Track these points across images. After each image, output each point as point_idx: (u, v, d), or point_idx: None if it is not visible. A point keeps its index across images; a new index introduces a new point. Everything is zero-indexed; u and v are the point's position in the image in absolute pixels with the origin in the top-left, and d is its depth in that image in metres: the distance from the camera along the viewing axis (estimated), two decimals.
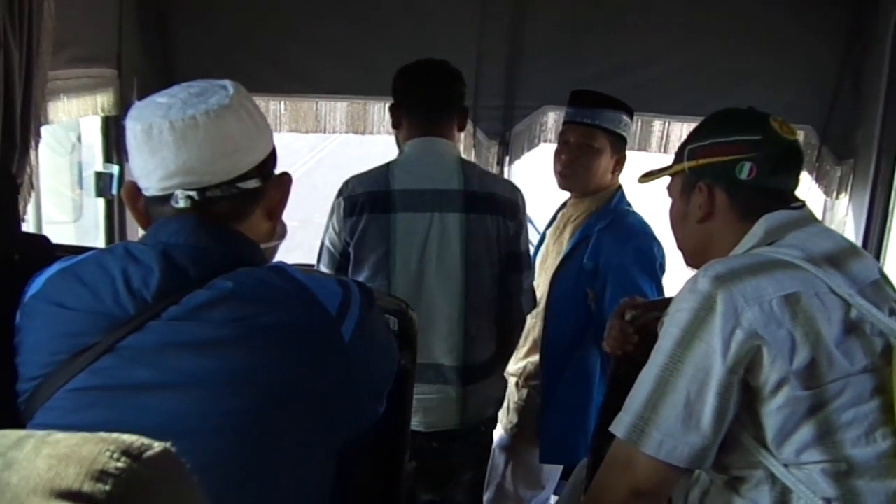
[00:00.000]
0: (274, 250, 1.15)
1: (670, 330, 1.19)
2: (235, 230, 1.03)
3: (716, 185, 1.31)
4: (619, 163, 2.25)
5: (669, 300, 1.48)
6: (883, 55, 2.48)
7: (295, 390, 0.94)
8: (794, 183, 1.34)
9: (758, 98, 2.48)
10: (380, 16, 2.66)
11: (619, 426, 1.22)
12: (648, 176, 1.48)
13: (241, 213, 1.04)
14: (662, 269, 2.16)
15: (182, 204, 0.99)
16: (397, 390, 1.58)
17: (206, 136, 0.97)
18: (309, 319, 0.97)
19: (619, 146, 2.23)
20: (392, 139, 2.16)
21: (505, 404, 2.41)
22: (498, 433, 2.41)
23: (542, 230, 2.47)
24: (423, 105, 1.96)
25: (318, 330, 0.97)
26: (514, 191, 2.02)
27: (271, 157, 1.07)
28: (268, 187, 1.06)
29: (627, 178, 2.43)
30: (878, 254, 2.58)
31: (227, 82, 1.04)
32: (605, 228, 2.17)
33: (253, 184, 1.03)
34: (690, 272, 1.31)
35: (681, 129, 2.77)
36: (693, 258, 1.40)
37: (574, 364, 2.19)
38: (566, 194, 2.37)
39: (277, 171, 1.10)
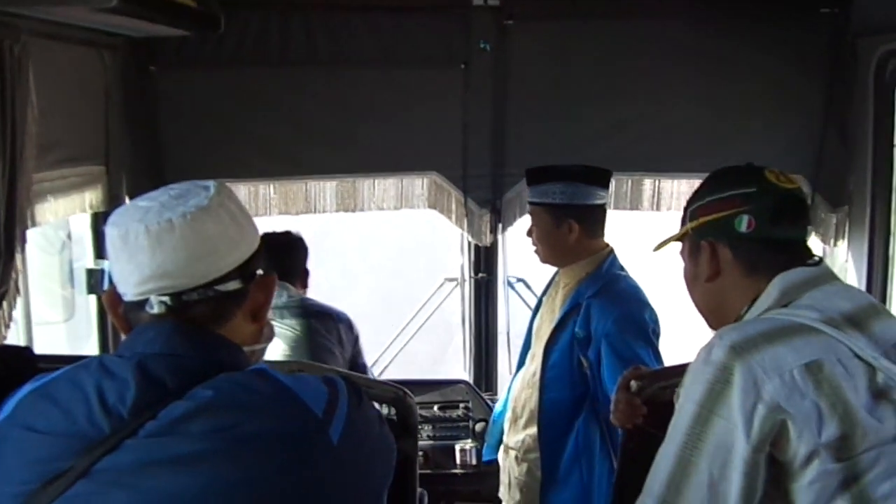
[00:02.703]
0: (261, 352, 1.10)
1: (686, 405, 1.14)
2: (215, 334, 0.99)
3: (718, 242, 1.28)
4: (572, 229, 2.17)
5: (675, 368, 1.43)
6: (866, 102, 2.49)
7: (284, 501, 0.89)
8: (800, 232, 1.28)
9: (746, 152, 2.48)
10: (363, 94, 2.69)
11: None
12: (661, 245, 1.45)
13: (222, 315, 1.00)
14: (657, 335, 2.10)
15: (156, 309, 0.96)
16: (399, 480, 1.53)
17: (182, 239, 0.95)
18: (294, 424, 0.92)
19: (559, 214, 2.16)
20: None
21: (506, 479, 2.34)
22: None
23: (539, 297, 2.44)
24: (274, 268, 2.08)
25: (304, 434, 0.91)
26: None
27: (255, 257, 1.04)
28: (250, 288, 1.03)
29: (628, 240, 2.42)
30: (882, 299, 2.55)
31: (210, 183, 1.03)
32: (595, 296, 2.12)
33: (233, 286, 1.00)
34: (711, 333, 1.27)
35: (671, 187, 2.77)
36: (710, 318, 1.36)
37: (573, 436, 2.13)
38: None
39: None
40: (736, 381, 1.09)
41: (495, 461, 2.46)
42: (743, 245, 1.25)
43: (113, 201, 2.49)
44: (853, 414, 1.07)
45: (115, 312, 1.01)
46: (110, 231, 0.98)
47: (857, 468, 1.07)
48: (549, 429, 2.18)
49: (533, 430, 2.23)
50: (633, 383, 1.52)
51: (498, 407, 2.49)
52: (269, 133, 2.69)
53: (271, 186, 2.77)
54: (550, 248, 2.21)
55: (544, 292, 2.39)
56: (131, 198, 2.58)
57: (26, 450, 0.90)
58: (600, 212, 2.22)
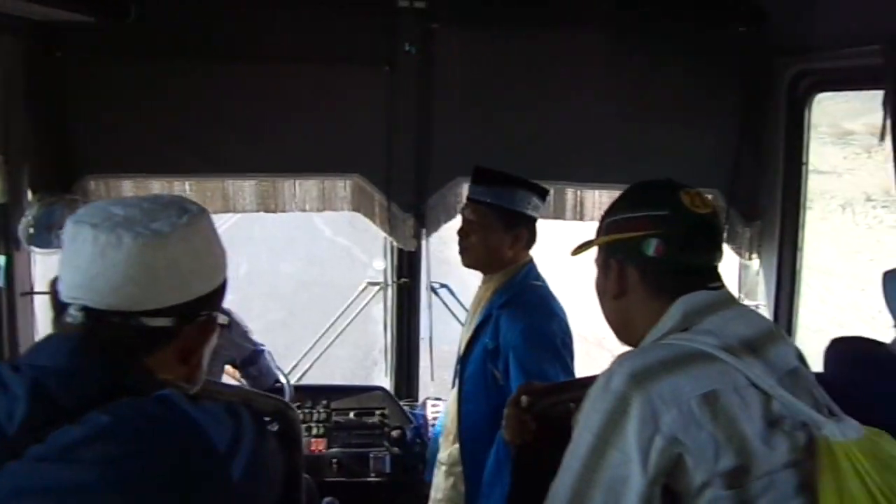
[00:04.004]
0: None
1: (584, 434, 1.12)
2: (124, 356, 0.94)
3: (627, 263, 1.26)
4: (519, 238, 2.17)
5: (566, 384, 1.42)
6: (779, 119, 2.57)
7: None
8: (709, 259, 1.27)
9: (664, 164, 2.56)
10: (285, 92, 2.62)
11: None
12: (579, 249, 1.42)
13: (143, 348, 0.95)
14: (566, 346, 2.06)
15: (71, 320, 0.92)
16: (287, 493, 1.48)
17: (125, 260, 0.91)
18: (194, 459, 0.87)
19: (514, 223, 2.16)
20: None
21: (434, 495, 2.30)
22: None
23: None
24: None
25: (203, 470, 0.87)
26: None
27: (206, 299, 0.99)
28: (184, 329, 0.97)
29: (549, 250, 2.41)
30: (789, 312, 2.62)
31: (194, 207, 0.99)
32: (504, 306, 2.10)
33: (162, 322, 0.95)
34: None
35: (594, 197, 2.79)
36: (618, 334, 1.34)
37: (494, 448, 2.08)
38: None
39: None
40: (633, 412, 1.08)
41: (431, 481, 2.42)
42: (650, 268, 1.24)
43: (13, 193, 2.36)
44: (748, 444, 1.08)
45: (54, 305, 0.97)
46: (67, 225, 0.95)
47: (748, 495, 1.08)
48: (470, 441, 2.16)
49: (457, 443, 2.21)
50: (524, 399, 1.50)
51: (437, 426, 2.47)
52: (186, 128, 2.60)
53: (187, 183, 2.67)
54: (487, 251, 2.17)
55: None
56: (33, 191, 2.45)
57: None
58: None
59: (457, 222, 2.80)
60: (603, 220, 1.34)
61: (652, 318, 1.24)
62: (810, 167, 2.61)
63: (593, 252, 1.36)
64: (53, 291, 0.97)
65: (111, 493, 0.81)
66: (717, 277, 1.27)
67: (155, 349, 0.96)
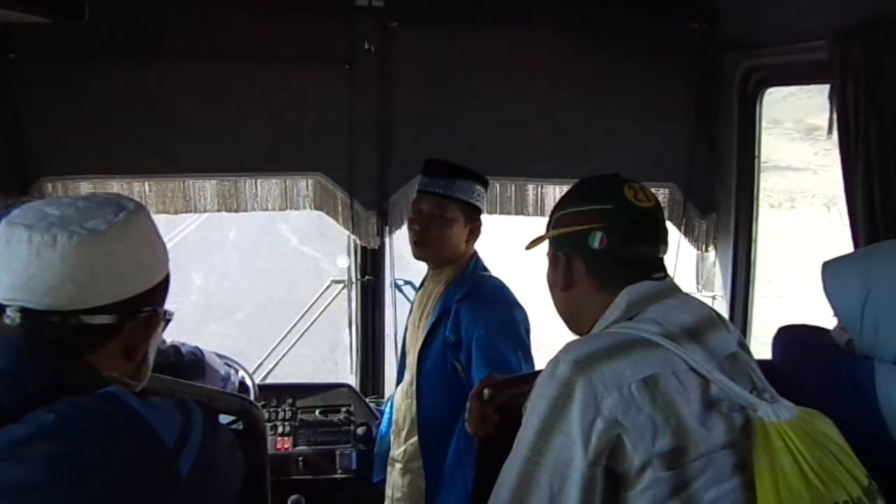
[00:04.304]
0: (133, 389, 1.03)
1: (531, 419, 1.16)
2: (67, 354, 0.94)
3: (574, 255, 1.31)
4: (474, 232, 2.21)
5: (527, 377, 1.45)
6: (731, 114, 2.63)
7: None
8: (652, 251, 1.32)
9: (622, 159, 2.61)
10: (244, 91, 2.61)
11: None
12: (532, 244, 1.47)
13: (84, 346, 0.95)
14: (528, 333, 2.10)
15: (9, 322, 0.91)
16: (252, 491, 1.49)
17: (61, 260, 0.91)
18: (142, 455, 0.88)
19: (472, 216, 2.20)
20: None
21: (390, 493, 2.31)
22: None
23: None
24: None
25: (151, 466, 0.88)
26: None
27: (147, 295, 0.99)
28: (126, 325, 0.98)
29: (501, 243, 2.44)
30: (745, 303, 2.68)
31: (130, 204, 0.99)
32: (463, 299, 2.12)
33: (103, 319, 0.95)
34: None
35: (554, 192, 2.82)
36: (568, 325, 1.39)
37: (454, 441, 2.11)
38: None
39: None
40: (577, 396, 1.12)
41: (383, 480, 2.43)
42: (596, 260, 1.29)
43: None
44: (685, 425, 1.12)
45: None
46: (2, 227, 0.94)
47: (687, 475, 1.12)
48: (430, 436, 2.17)
49: (414, 439, 2.23)
50: (486, 392, 1.53)
51: (383, 425, 2.47)
52: (143, 129, 2.58)
53: (146, 184, 2.65)
54: (445, 244, 2.17)
55: (413, 303, 2.39)
56: None
57: None
58: None
59: None
60: (552, 214, 1.38)
61: (599, 308, 1.29)
62: (785, 165, 2.68)
63: (545, 246, 1.40)
64: None
65: (57, 490, 0.82)
66: (661, 268, 1.32)
67: (97, 347, 0.96)
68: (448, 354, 2.11)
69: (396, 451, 2.29)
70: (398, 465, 2.28)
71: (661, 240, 1.33)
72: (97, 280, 0.93)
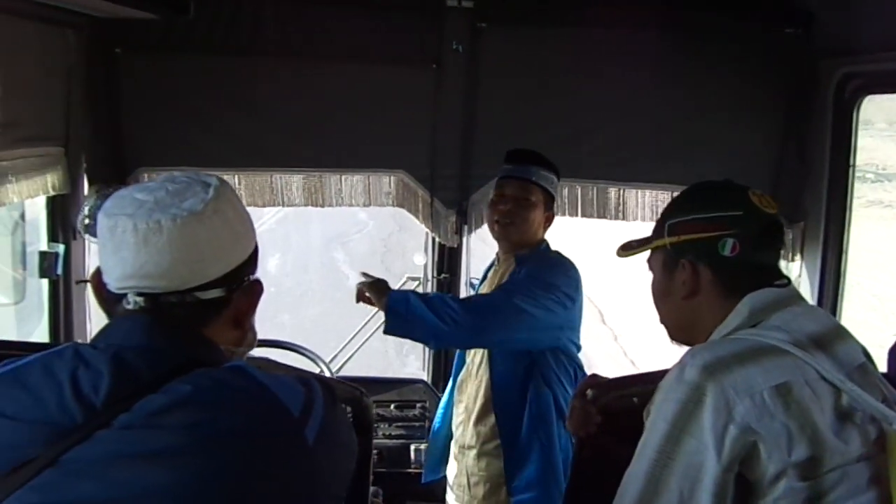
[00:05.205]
0: (241, 356, 1.08)
1: (658, 423, 1.15)
2: (193, 331, 0.98)
3: (699, 263, 1.28)
4: (549, 220, 2.31)
5: (632, 378, 1.44)
6: (825, 121, 2.56)
7: (256, 499, 0.87)
8: (776, 257, 1.31)
9: (708, 164, 2.57)
10: (333, 88, 2.67)
11: None
12: (627, 249, 1.44)
13: (200, 320, 0.99)
14: (570, 298, 2.15)
15: (132, 307, 0.95)
16: (357, 479, 1.52)
17: (168, 243, 0.94)
18: (271, 423, 0.91)
19: (550, 204, 2.30)
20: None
21: (463, 482, 2.34)
22: None
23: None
24: None
25: (281, 434, 0.91)
26: None
27: (245, 265, 1.03)
28: (234, 296, 1.01)
29: (574, 242, 2.44)
30: (833, 313, 2.61)
31: (213, 180, 1.01)
32: (524, 263, 2.23)
33: (214, 293, 0.98)
34: (679, 349, 1.28)
35: (636, 197, 2.80)
36: (678, 334, 1.37)
37: (527, 407, 2.18)
38: None
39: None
40: (708, 401, 1.10)
41: (437, 480, 2.47)
42: (725, 268, 1.26)
43: (72, 184, 2.43)
44: (821, 435, 1.10)
45: (100, 294, 1.01)
46: (101, 219, 0.97)
47: (822, 487, 1.10)
48: (505, 404, 2.23)
49: (488, 420, 2.26)
50: (589, 391, 1.52)
51: (436, 423, 2.50)
52: (236, 123, 2.66)
53: (236, 177, 2.73)
54: (529, 226, 2.25)
55: (481, 282, 2.47)
56: (90, 183, 2.52)
57: None
58: None
59: None
60: (664, 220, 1.35)
61: (721, 315, 1.26)
62: (880, 169, 2.60)
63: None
64: (98, 283, 1.00)
65: (195, 456, 0.85)
66: (782, 275, 1.30)
67: (212, 320, 1.00)
68: None
69: (468, 439, 2.32)
70: (472, 452, 2.31)
71: (783, 246, 1.32)
72: (204, 257, 0.97)
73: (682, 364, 1.16)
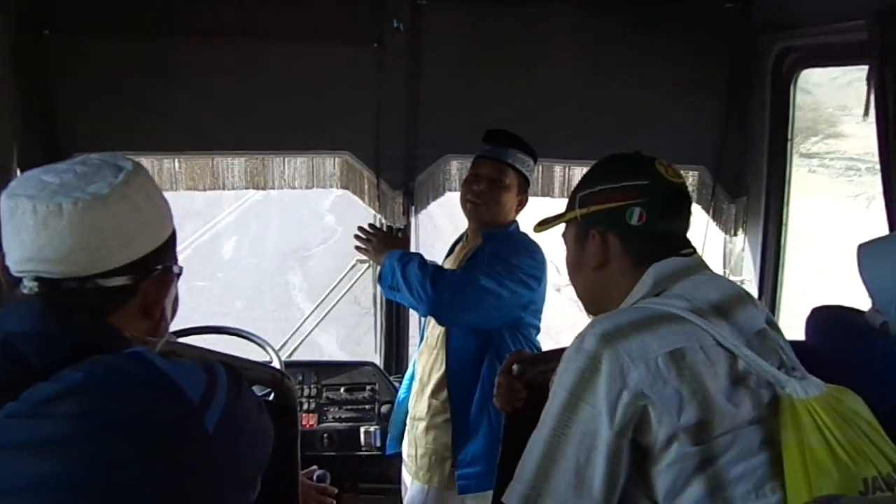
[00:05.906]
0: (153, 346, 1.03)
1: (558, 392, 1.16)
2: (95, 316, 0.95)
3: (608, 232, 1.29)
4: (522, 203, 2.32)
5: (556, 352, 1.45)
6: (764, 96, 2.58)
7: (152, 490, 0.85)
8: (683, 226, 1.32)
9: (651, 141, 2.57)
10: (273, 69, 2.62)
11: (513, 496, 1.17)
12: (544, 224, 1.46)
13: (104, 308, 0.96)
14: (536, 279, 2.19)
15: (28, 290, 0.92)
16: (281, 461, 1.50)
17: (69, 228, 0.91)
18: (168, 410, 0.88)
19: (524, 187, 2.31)
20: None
21: (412, 452, 2.35)
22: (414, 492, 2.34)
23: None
24: None
25: (177, 422, 0.88)
26: None
27: (157, 253, 0.99)
28: (142, 285, 0.98)
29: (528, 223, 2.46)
30: (773, 287, 2.65)
31: (127, 164, 0.98)
32: (489, 240, 2.24)
33: (118, 281, 0.95)
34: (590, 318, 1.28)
35: (581, 174, 2.79)
36: (591, 305, 1.38)
37: (479, 383, 2.20)
38: None
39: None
40: (604, 368, 1.12)
41: (397, 454, 2.47)
42: (632, 237, 1.27)
43: (3, 171, 2.36)
44: (712, 399, 1.11)
45: (4, 279, 0.97)
46: (3, 200, 0.93)
47: (713, 451, 1.11)
48: (458, 378, 2.24)
49: (441, 393, 2.28)
50: (515, 367, 1.53)
51: (401, 393, 2.50)
52: (174, 105, 2.60)
53: (176, 161, 2.68)
54: (502, 206, 2.27)
55: (447, 256, 2.46)
56: (22, 170, 2.46)
57: None
58: None
59: (445, 199, 2.87)
60: (575, 193, 1.36)
61: (630, 285, 1.27)
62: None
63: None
64: (1, 266, 0.97)
65: (86, 444, 0.83)
66: (688, 244, 1.31)
67: (116, 308, 0.97)
68: None
69: (420, 410, 2.33)
70: (421, 424, 2.32)
71: (690, 215, 1.33)
72: (107, 244, 0.93)
73: (583, 334, 1.17)
